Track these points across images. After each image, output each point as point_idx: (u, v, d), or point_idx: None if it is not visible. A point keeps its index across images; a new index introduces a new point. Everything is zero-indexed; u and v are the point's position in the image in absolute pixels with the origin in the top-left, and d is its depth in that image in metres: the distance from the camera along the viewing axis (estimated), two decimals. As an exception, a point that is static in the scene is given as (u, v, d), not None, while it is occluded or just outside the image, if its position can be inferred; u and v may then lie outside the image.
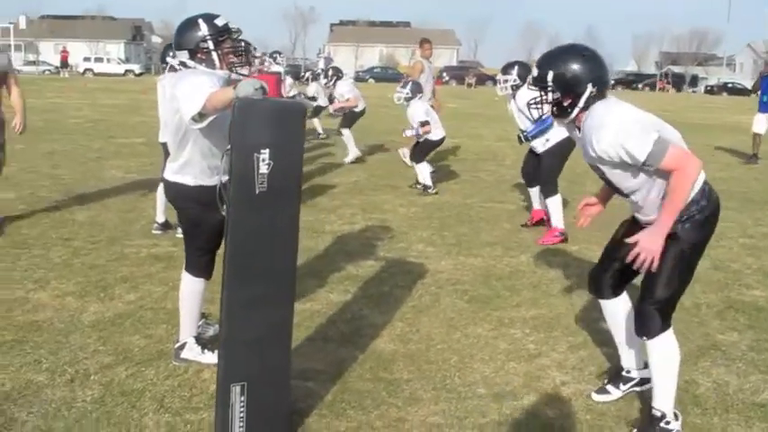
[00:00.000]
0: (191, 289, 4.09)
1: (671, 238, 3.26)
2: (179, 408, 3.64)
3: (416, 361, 4.31)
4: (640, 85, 68.78)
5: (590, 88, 3.26)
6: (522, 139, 7.30)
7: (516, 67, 7.39)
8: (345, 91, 12.68)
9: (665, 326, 3.39)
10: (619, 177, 3.35)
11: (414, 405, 3.76)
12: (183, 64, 3.86)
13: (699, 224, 3.33)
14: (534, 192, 7.70)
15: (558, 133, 6.96)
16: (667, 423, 3.44)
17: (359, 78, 54.25)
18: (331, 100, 13.21)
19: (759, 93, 13.67)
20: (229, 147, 3.07)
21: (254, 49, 11.22)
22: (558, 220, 7.18)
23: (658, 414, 3.45)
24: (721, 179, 11.21)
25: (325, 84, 13.37)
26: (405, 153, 9.96)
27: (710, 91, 62.76)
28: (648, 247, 3.21)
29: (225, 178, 3.28)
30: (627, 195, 3.45)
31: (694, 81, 75.56)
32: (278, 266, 3.19)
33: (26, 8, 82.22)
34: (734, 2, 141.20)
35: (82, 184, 9.36)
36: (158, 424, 3.48)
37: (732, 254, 6.87)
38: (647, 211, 3.41)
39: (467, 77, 57.80)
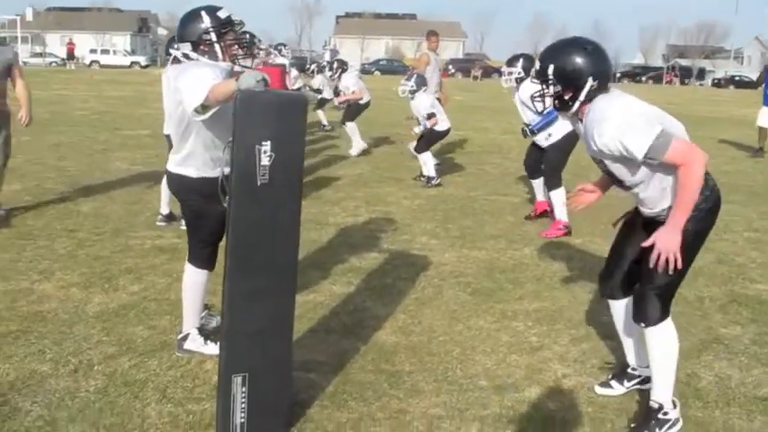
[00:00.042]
0: (194, 280, 4.11)
1: None
2: (181, 398, 3.66)
3: (418, 353, 4.32)
4: (644, 78, 68.44)
5: (591, 82, 3.25)
6: (528, 132, 7.29)
7: (521, 60, 7.39)
8: (350, 83, 12.67)
9: (664, 315, 3.40)
10: (621, 171, 3.35)
11: (415, 397, 3.78)
12: (185, 56, 3.87)
13: (703, 213, 3.32)
14: (537, 183, 7.70)
15: (561, 127, 6.96)
16: (665, 414, 3.45)
17: (365, 71, 54.12)
18: (336, 92, 13.20)
19: (764, 86, 13.60)
20: (231, 139, 3.08)
21: (259, 41, 11.20)
22: (561, 214, 7.18)
23: (655, 406, 3.47)
24: (727, 172, 11.20)
25: (331, 76, 13.37)
26: (413, 146, 9.97)
27: (718, 84, 62.57)
28: (667, 246, 3.20)
29: (227, 170, 3.30)
30: (629, 188, 3.44)
31: (701, 74, 75.33)
32: (279, 258, 3.20)
33: (33, 0, 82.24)
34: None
35: (87, 176, 9.39)
36: (161, 414, 3.50)
37: (737, 247, 6.86)
38: (650, 204, 3.41)
39: (473, 70, 57.67)
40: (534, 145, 7.50)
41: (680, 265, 3.24)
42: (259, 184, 3.07)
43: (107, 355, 4.11)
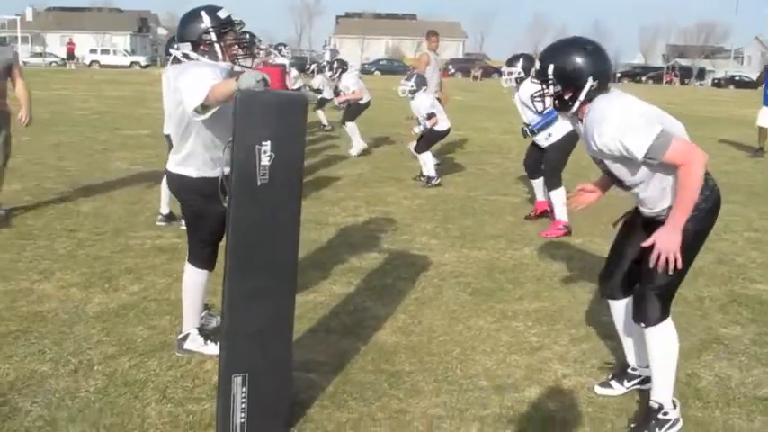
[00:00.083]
0: (193, 280, 4.11)
1: None
2: (181, 398, 3.66)
3: (418, 353, 4.32)
4: (644, 78, 68.39)
5: (590, 82, 3.25)
6: (528, 132, 7.29)
7: (521, 60, 7.39)
8: (350, 83, 12.67)
9: (664, 315, 3.40)
10: (621, 171, 3.35)
11: (415, 397, 3.78)
12: (186, 56, 3.87)
13: (703, 213, 3.33)
14: (537, 183, 7.71)
15: (561, 127, 6.96)
16: (665, 414, 3.45)
17: (365, 71, 54.16)
18: (336, 92, 13.20)
19: (764, 86, 13.60)
20: (231, 139, 3.08)
21: (260, 41, 11.20)
22: (561, 214, 7.18)
23: (655, 406, 3.47)
24: (727, 172, 11.21)
25: (330, 76, 13.37)
26: (413, 146, 9.97)
27: (718, 84, 62.57)
28: (667, 246, 3.20)
29: (227, 170, 3.30)
30: (629, 188, 3.44)
31: (701, 74, 75.32)
32: (279, 258, 3.20)
33: (33, 0, 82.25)
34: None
35: (87, 176, 9.39)
36: (161, 414, 3.50)
37: (737, 247, 6.86)
38: (650, 204, 3.41)
39: (473, 70, 57.66)
40: (534, 145, 7.50)
41: (680, 265, 3.24)
42: (259, 184, 3.07)
43: (107, 355, 4.12)
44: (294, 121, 3.13)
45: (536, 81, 3.47)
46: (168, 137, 5.18)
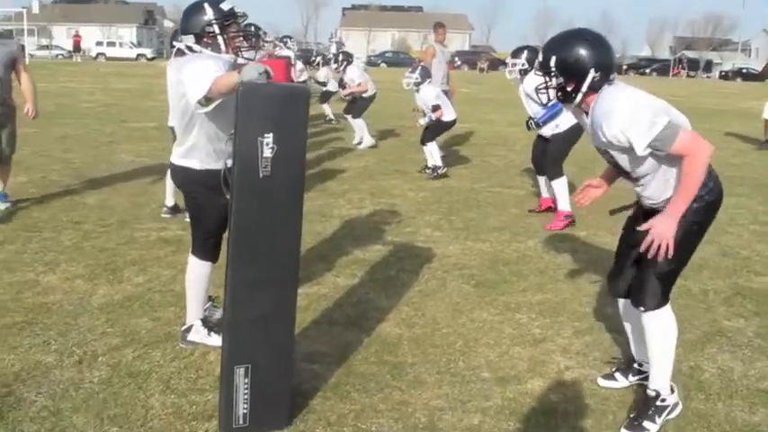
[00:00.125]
0: (197, 272, 4.13)
1: None
2: (185, 389, 3.67)
3: (421, 345, 4.33)
4: (648, 70, 68.09)
5: (593, 73, 3.24)
6: (533, 125, 7.27)
7: (526, 52, 7.36)
8: (355, 76, 12.67)
9: (663, 301, 3.41)
10: (628, 162, 3.35)
11: (417, 388, 3.79)
12: (189, 48, 3.87)
13: (706, 205, 3.33)
14: (543, 180, 7.69)
15: (568, 119, 6.94)
16: (663, 401, 3.47)
17: (371, 63, 54.16)
18: (342, 85, 13.21)
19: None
20: (234, 131, 3.08)
21: (265, 33, 11.20)
22: (564, 204, 7.18)
23: (653, 394, 3.49)
24: (733, 165, 11.17)
25: (336, 68, 13.37)
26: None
27: (725, 76, 62.32)
28: (662, 232, 3.21)
29: (230, 162, 3.30)
30: (635, 180, 3.44)
31: (709, 66, 75.02)
32: (281, 249, 3.21)
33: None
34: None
35: (93, 168, 9.42)
36: (164, 405, 3.52)
37: (742, 240, 6.85)
38: (655, 195, 3.41)
39: (479, 62, 57.52)
40: (540, 138, 7.48)
41: (671, 253, 3.24)
42: (261, 176, 3.08)
43: (111, 347, 4.14)
44: (296, 114, 3.13)
45: (539, 73, 3.46)
46: (173, 129, 5.19)
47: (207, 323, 4.23)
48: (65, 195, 7.80)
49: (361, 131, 12.49)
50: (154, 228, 6.65)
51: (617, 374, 3.90)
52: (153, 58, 58.10)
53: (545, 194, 7.76)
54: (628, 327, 3.83)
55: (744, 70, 62.68)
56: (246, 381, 3.24)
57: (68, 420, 3.35)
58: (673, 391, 3.54)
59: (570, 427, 3.48)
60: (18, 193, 7.60)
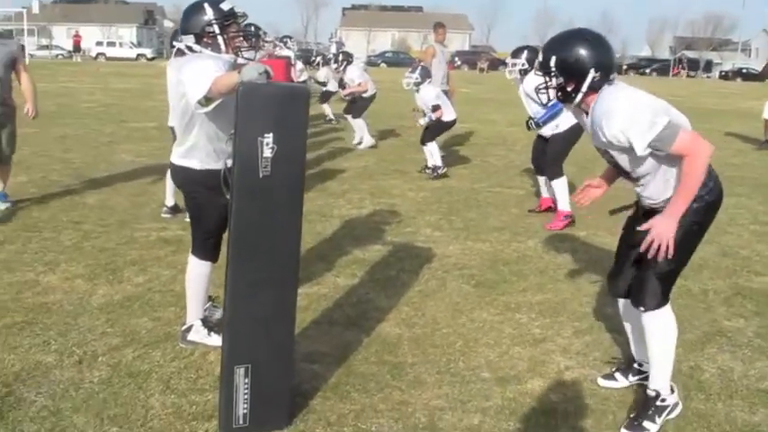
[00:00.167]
0: (197, 272, 4.13)
1: None
2: (185, 389, 3.67)
3: (421, 345, 4.33)
4: (648, 70, 68.05)
5: (593, 73, 3.24)
6: (533, 125, 7.27)
7: (525, 52, 7.36)
8: (355, 76, 12.67)
9: (663, 301, 3.41)
10: (628, 162, 3.35)
11: (417, 388, 3.79)
12: (189, 48, 3.87)
13: (706, 205, 3.33)
14: (544, 180, 7.69)
15: (568, 119, 6.94)
16: (663, 400, 3.47)
17: (371, 63, 54.14)
18: (341, 85, 13.21)
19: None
20: (233, 131, 3.09)
21: (265, 33, 11.20)
22: (564, 204, 7.18)
23: (653, 394, 3.49)
24: (734, 165, 11.17)
25: (336, 68, 13.37)
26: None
27: (725, 76, 62.32)
28: (662, 232, 3.21)
29: (230, 162, 3.31)
30: (636, 179, 3.45)
31: (709, 66, 75.02)
32: (281, 249, 3.21)
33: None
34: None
35: (93, 168, 9.42)
36: (164, 405, 3.52)
37: (742, 240, 6.85)
38: (655, 196, 3.41)
39: (479, 62, 57.52)
40: (540, 138, 7.48)
41: (671, 253, 3.24)
42: (261, 176, 3.08)
43: (111, 347, 4.14)
44: (296, 114, 3.13)
45: (539, 73, 3.47)
46: (173, 129, 5.19)
47: (207, 323, 4.23)
48: (65, 195, 7.80)
49: (361, 131, 12.50)
50: (154, 228, 6.65)
51: (617, 374, 3.90)
52: (153, 58, 58.08)
53: (545, 195, 7.76)
54: (628, 327, 3.83)
55: (744, 70, 62.70)
56: (246, 381, 3.24)
57: (68, 420, 3.35)
58: (673, 391, 3.54)
59: (570, 427, 3.48)
60: (18, 193, 7.61)
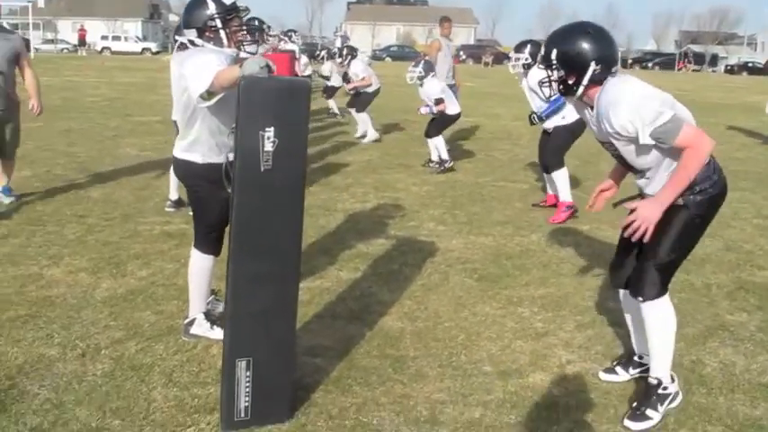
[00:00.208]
0: (200, 265, 4.14)
1: (680, 206, 3.29)
2: (187, 382, 3.69)
3: (423, 338, 4.34)
4: (650, 65, 67.81)
5: (594, 66, 3.25)
6: (535, 119, 7.26)
7: (529, 46, 7.35)
8: (359, 70, 12.66)
9: (662, 291, 3.41)
10: (632, 154, 3.35)
11: (419, 382, 3.79)
12: (191, 42, 3.88)
13: (710, 199, 3.34)
14: (550, 177, 7.67)
15: (574, 112, 6.92)
16: (665, 389, 3.49)
17: (376, 57, 54.04)
18: (346, 79, 13.21)
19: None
20: (235, 125, 3.09)
21: (269, 27, 11.21)
22: (566, 195, 7.18)
23: (654, 382, 3.50)
24: (738, 159, 11.14)
25: (340, 62, 13.36)
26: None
27: (730, 70, 62.14)
28: (646, 215, 3.23)
29: (232, 156, 3.31)
30: (640, 172, 3.45)
31: (714, 60, 74.79)
32: (282, 243, 3.21)
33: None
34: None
35: (97, 162, 9.44)
36: (167, 398, 3.53)
37: (745, 234, 6.83)
38: (657, 188, 3.41)
39: (484, 56, 57.45)
40: (546, 133, 7.47)
41: (647, 239, 3.27)
42: (262, 169, 3.08)
43: (114, 340, 4.15)
44: (298, 107, 3.13)
45: (542, 67, 3.47)
46: (176, 123, 5.20)
47: (209, 316, 4.24)
48: (69, 189, 7.82)
49: (365, 125, 12.49)
50: (157, 221, 6.66)
51: (618, 368, 3.91)
52: (158, 53, 58.11)
53: (551, 191, 7.74)
54: (628, 319, 3.84)
55: (749, 64, 62.54)
56: (248, 374, 3.25)
57: (71, 413, 3.36)
58: (673, 380, 3.55)
59: (572, 420, 3.48)
60: (22, 187, 7.62)
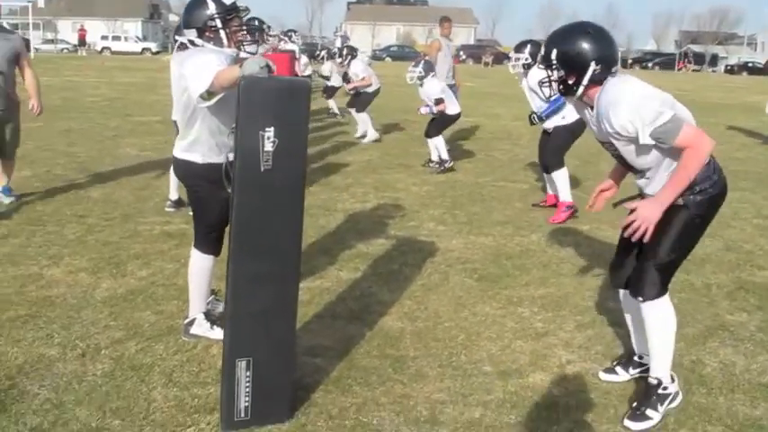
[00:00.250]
0: (200, 265, 4.14)
1: (680, 206, 3.29)
2: (187, 382, 3.69)
3: (423, 338, 4.34)
4: (650, 64, 67.78)
5: (593, 66, 3.25)
6: (535, 120, 7.26)
7: (528, 46, 7.35)
8: (359, 70, 12.66)
9: (661, 291, 3.41)
10: (632, 154, 3.36)
11: (419, 382, 3.79)
12: (191, 42, 3.88)
13: (710, 199, 3.34)
14: (550, 178, 7.68)
15: (574, 112, 6.92)
16: (665, 389, 3.49)
17: (376, 57, 54.04)
18: (346, 79, 13.21)
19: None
20: (235, 125, 3.09)
21: (269, 27, 11.20)
22: (566, 195, 7.18)
23: (654, 382, 3.50)
24: (738, 159, 11.13)
25: (340, 62, 13.37)
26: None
27: (730, 70, 62.14)
28: (646, 215, 3.23)
29: (231, 156, 3.31)
30: (640, 172, 3.45)
31: (714, 60, 74.79)
32: (282, 243, 3.21)
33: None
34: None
35: (97, 162, 9.44)
36: (166, 398, 3.53)
37: (745, 234, 6.83)
38: (658, 188, 3.41)
39: (484, 56, 57.45)
40: (546, 134, 7.47)
41: (647, 239, 3.27)
42: (262, 169, 3.09)
43: (114, 340, 4.15)
44: (297, 107, 3.13)
45: (542, 66, 3.47)
46: (176, 123, 5.21)
47: (209, 316, 4.24)
48: (69, 189, 7.82)
49: (365, 125, 12.49)
50: (157, 221, 6.66)
51: (618, 368, 3.91)
52: (158, 53, 58.09)
53: (550, 191, 7.74)
54: (628, 318, 3.84)
55: (749, 64, 62.55)
56: (248, 374, 3.25)
57: (71, 413, 3.36)
58: (673, 380, 3.55)
59: (572, 420, 3.48)
60: (22, 187, 7.62)
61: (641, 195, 3.62)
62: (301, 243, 3.35)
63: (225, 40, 3.84)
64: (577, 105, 3.58)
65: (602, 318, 4.70)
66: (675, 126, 3.13)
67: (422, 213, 7.36)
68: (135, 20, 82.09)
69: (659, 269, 3.37)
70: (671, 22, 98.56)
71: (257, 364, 3.25)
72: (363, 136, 12.44)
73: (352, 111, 12.76)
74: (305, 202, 3.29)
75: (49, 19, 72.55)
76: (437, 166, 9.69)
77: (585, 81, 3.28)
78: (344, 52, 13.11)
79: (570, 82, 3.33)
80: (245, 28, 3.97)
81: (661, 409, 3.47)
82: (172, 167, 6.57)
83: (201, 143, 3.89)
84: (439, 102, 9.39)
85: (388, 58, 60.22)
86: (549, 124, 7.25)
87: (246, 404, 3.27)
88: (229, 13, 3.84)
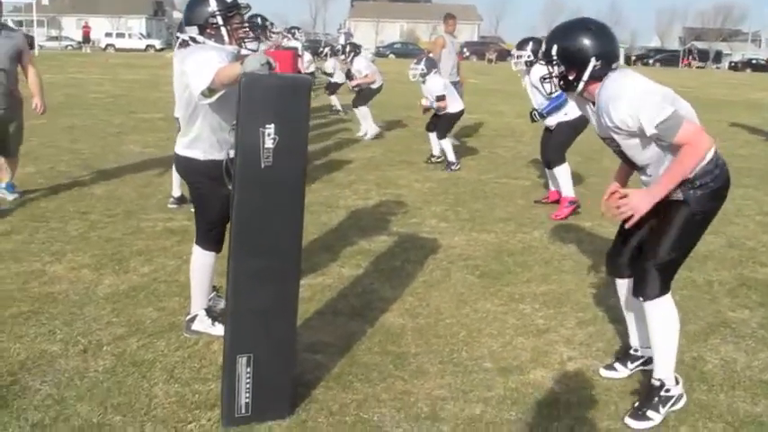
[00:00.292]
0: (201, 262, 4.14)
1: (680, 202, 3.29)
2: (188, 378, 3.70)
3: (425, 335, 4.34)
4: (651, 61, 67.58)
5: (594, 62, 3.25)
6: (537, 116, 7.26)
7: (531, 43, 7.35)
8: (363, 67, 12.66)
9: (663, 290, 3.40)
10: (634, 150, 3.36)
11: (420, 378, 3.80)
12: (192, 39, 3.89)
13: (711, 193, 3.33)
14: (552, 174, 7.68)
15: (576, 109, 6.92)
16: (667, 391, 3.48)
17: (379, 54, 54.01)
18: (349, 76, 13.20)
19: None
20: (236, 122, 3.10)
21: (272, 24, 11.20)
22: (568, 190, 7.18)
23: (657, 383, 3.49)
24: (741, 156, 11.11)
25: (343, 59, 13.36)
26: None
27: (734, 67, 62.01)
28: (634, 204, 3.26)
29: (232, 153, 3.32)
30: (641, 168, 3.45)
31: (718, 57, 74.63)
32: (283, 240, 3.22)
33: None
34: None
35: (101, 159, 9.45)
36: (168, 394, 3.54)
37: (748, 231, 6.82)
38: (658, 183, 3.42)
39: (487, 53, 57.36)
40: (548, 131, 7.47)
41: (629, 225, 3.32)
42: (263, 166, 3.09)
43: (116, 336, 4.16)
44: (298, 105, 3.14)
45: (543, 63, 3.47)
46: (178, 120, 5.21)
47: (211, 313, 4.25)
48: (72, 186, 7.83)
49: (364, 120, 12.45)
50: (160, 218, 6.67)
51: (616, 364, 3.91)
52: (162, 49, 58.04)
53: (553, 187, 7.74)
54: (624, 310, 3.84)
55: (753, 61, 62.38)
56: (249, 370, 3.26)
57: (72, 409, 3.37)
58: (677, 382, 3.54)
59: (573, 417, 3.48)
60: (26, 183, 7.64)
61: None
62: (302, 240, 3.36)
63: (226, 38, 3.84)
64: (579, 101, 3.59)
65: (603, 314, 4.71)
66: (676, 123, 3.13)
67: (424, 210, 7.36)
68: (139, 17, 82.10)
69: (660, 268, 3.37)
70: (675, 19, 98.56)
71: (258, 360, 3.26)
72: (366, 134, 12.42)
73: (355, 109, 12.73)
74: (306, 199, 3.30)
75: (53, 16, 72.63)
76: (444, 167, 9.63)
77: (586, 77, 3.28)
78: (348, 49, 13.11)
79: (571, 77, 3.33)
80: (246, 25, 3.97)
81: (663, 410, 3.45)
82: (174, 164, 6.62)
83: (203, 140, 3.90)
84: (440, 99, 9.38)
85: (391, 55, 60.14)
86: (552, 121, 7.24)
87: (247, 400, 3.28)
88: (230, 11, 3.84)
